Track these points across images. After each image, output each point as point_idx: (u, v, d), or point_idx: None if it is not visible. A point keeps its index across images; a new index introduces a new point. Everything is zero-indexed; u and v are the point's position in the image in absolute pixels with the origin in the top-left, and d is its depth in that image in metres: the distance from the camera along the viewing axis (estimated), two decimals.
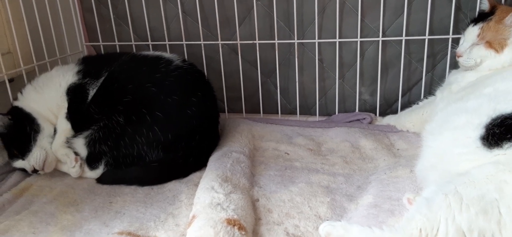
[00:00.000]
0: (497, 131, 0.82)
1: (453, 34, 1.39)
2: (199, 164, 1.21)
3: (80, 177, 1.23)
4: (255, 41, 1.55)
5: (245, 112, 1.68)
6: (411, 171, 1.07)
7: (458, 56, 1.18)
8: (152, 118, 1.17)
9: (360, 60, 1.52)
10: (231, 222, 0.86)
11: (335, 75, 1.56)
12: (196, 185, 1.09)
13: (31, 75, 1.42)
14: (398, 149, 1.30)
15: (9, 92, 1.37)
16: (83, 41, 1.76)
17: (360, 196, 1.02)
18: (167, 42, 1.64)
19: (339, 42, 1.50)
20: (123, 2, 1.64)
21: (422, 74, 1.49)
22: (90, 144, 1.21)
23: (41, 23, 1.52)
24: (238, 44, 1.57)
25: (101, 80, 1.27)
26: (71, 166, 1.21)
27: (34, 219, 1.01)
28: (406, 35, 1.44)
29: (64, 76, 1.30)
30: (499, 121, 0.83)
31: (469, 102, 0.96)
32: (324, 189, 1.06)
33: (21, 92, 1.30)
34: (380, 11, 1.43)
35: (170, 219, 0.98)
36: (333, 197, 1.02)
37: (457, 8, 1.39)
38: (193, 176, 1.18)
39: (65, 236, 0.94)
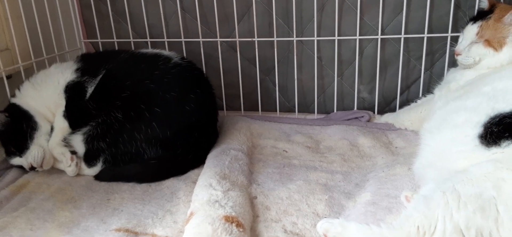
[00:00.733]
0: (495, 130, 0.82)
1: (452, 32, 1.39)
2: (198, 161, 1.21)
3: (78, 174, 1.23)
4: (254, 39, 1.55)
5: (244, 110, 1.68)
6: (409, 168, 1.07)
7: (457, 55, 1.18)
8: (151, 114, 1.16)
9: (358, 58, 1.52)
10: (229, 219, 0.86)
11: (334, 73, 1.56)
12: (194, 182, 1.09)
13: (29, 72, 1.41)
14: (396, 147, 1.30)
15: (6, 89, 1.37)
16: (81, 38, 1.75)
17: (358, 194, 1.02)
18: (165, 39, 1.64)
19: (338, 40, 1.50)
20: None
21: (420, 72, 1.50)
22: (88, 141, 1.21)
23: (39, 19, 1.52)
24: (237, 42, 1.57)
25: (99, 78, 1.27)
26: (67, 165, 1.21)
27: (32, 215, 1.01)
28: (405, 33, 1.44)
29: (62, 74, 1.29)
30: (497, 119, 0.83)
31: (468, 100, 0.96)
32: (322, 186, 1.06)
33: (19, 89, 1.29)
34: (379, 9, 1.43)
35: (168, 216, 0.98)
36: (331, 194, 1.02)
37: (456, 6, 1.39)
38: (191, 173, 1.18)
39: (62, 232, 0.94)
